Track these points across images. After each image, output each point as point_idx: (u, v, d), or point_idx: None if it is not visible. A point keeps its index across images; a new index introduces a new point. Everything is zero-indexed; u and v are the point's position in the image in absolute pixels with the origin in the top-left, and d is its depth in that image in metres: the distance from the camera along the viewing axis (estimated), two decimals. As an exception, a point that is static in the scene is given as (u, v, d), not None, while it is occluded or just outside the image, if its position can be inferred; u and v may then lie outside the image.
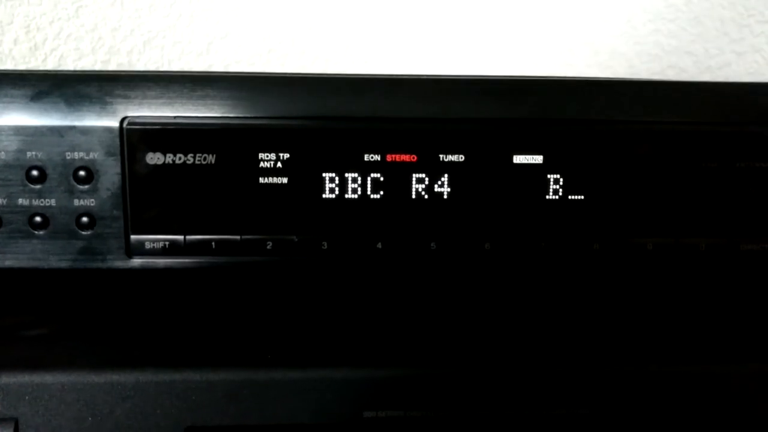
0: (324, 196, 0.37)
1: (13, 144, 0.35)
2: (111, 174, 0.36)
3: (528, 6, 0.87)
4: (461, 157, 0.37)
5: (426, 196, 0.37)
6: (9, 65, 0.74)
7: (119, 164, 0.36)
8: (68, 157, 0.35)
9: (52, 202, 0.36)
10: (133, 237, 0.37)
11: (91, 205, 0.36)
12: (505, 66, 0.89)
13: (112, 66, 0.78)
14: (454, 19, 0.90)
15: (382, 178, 0.37)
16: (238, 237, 0.37)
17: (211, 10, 0.82)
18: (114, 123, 0.35)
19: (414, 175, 0.37)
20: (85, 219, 0.36)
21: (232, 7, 0.83)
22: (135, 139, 0.35)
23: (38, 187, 0.36)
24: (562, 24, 0.85)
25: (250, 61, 0.86)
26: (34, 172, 0.35)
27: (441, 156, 0.37)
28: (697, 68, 0.78)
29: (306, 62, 0.88)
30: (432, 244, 0.38)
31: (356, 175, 0.37)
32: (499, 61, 0.90)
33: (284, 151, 0.36)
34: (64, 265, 0.37)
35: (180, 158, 0.36)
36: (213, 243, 0.37)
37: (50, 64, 0.75)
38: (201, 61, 0.83)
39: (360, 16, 0.87)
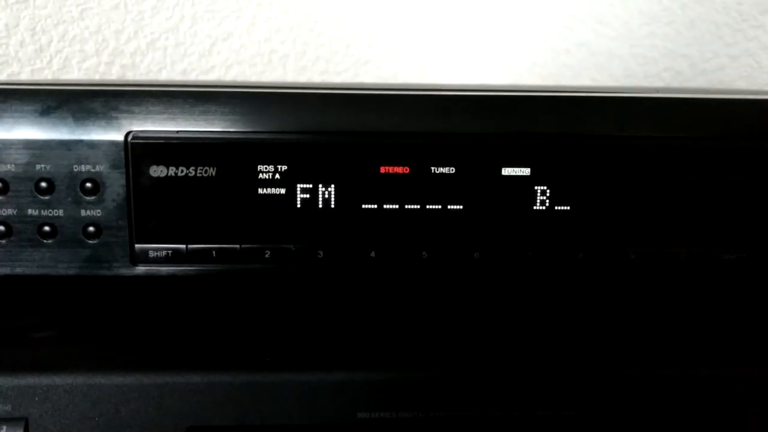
0: (320, 206, 0.38)
1: (23, 157, 0.36)
2: (116, 186, 0.36)
3: (526, 8, 0.87)
4: (452, 170, 0.38)
5: (418, 207, 0.38)
6: (15, 67, 0.75)
7: (124, 176, 0.36)
8: (75, 170, 0.36)
9: (60, 212, 0.37)
10: (137, 246, 0.37)
11: (98, 215, 0.37)
12: (505, 66, 0.90)
13: (116, 67, 0.79)
14: (454, 22, 0.91)
15: (375, 190, 0.38)
16: (237, 246, 0.38)
17: (213, 12, 0.83)
18: (119, 137, 0.36)
19: (406, 186, 0.38)
20: (91, 228, 0.37)
21: (234, 9, 0.84)
22: (139, 152, 0.36)
23: (47, 198, 0.36)
24: (560, 26, 0.86)
25: (252, 63, 0.86)
26: (43, 184, 0.36)
27: (433, 168, 0.37)
28: (692, 71, 0.79)
29: (307, 63, 0.88)
30: (423, 253, 0.38)
31: (351, 186, 0.37)
32: (499, 62, 0.90)
33: (282, 164, 0.37)
34: (71, 272, 0.37)
35: (182, 171, 0.37)
36: (214, 251, 0.38)
37: (55, 66, 0.76)
38: (203, 63, 0.84)
39: (360, 19, 0.88)
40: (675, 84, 0.79)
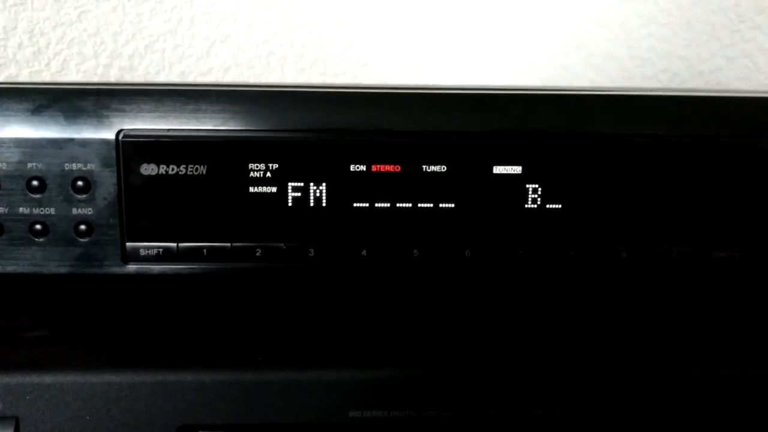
0: (311, 204, 0.38)
1: (14, 155, 0.36)
2: (107, 184, 0.37)
3: (524, 10, 0.87)
4: (443, 168, 0.38)
5: (409, 205, 0.38)
6: (13, 69, 0.75)
7: (115, 175, 0.36)
8: (67, 168, 0.36)
9: (52, 210, 0.37)
10: (128, 244, 0.38)
11: (89, 213, 0.37)
12: (503, 68, 0.90)
13: (114, 70, 0.79)
14: (452, 24, 0.91)
15: (367, 188, 0.38)
16: (228, 244, 0.38)
17: (211, 15, 0.83)
18: (110, 135, 0.36)
19: (398, 185, 0.38)
20: (82, 227, 0.37)
21: (232, 11, 0.84)
22: (130, 151, 0.36)
23: (38, 196, 0.37)
24: (558, 28, 0.86)
25: (250, 65, 0.87)
26: (35, 183, 0.36)
27: (424, 167, 0.38)
28: (689, 73, 0.79)
29: (305, 65, 0.89)
30: (415, 251, 0.39)
31: (342, 185, 0.38)
32: (497, 63, 0.91)
33: (273, 162, 0.37)
34: (63, 270, 0.38)
35: (173, 169, 0.37)
36: (205, 250, 0.38)
37: (53, 69, 0.76)
38: (201, 65, 0.84)
39: (358, 21, 0.88)
40: (673, 85, 0.79)
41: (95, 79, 0.79)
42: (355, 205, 0.38)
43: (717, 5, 0.75)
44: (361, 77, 0.91)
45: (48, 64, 0.77)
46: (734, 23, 0.74)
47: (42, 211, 0.37)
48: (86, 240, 0.37)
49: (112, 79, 0.80)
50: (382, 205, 0.38)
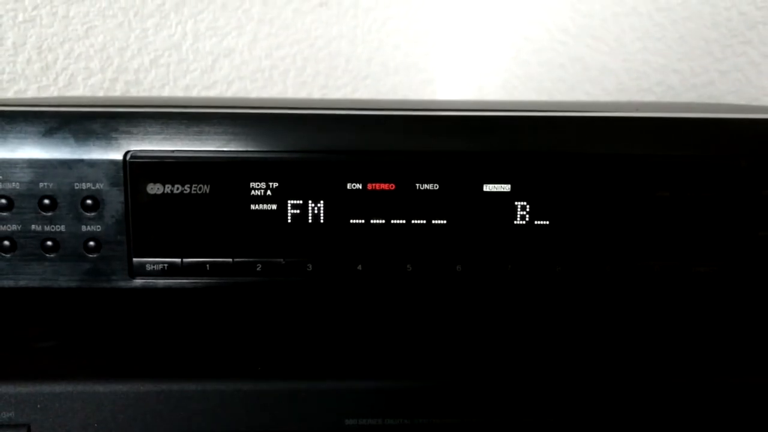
0: (309, 221, 0.39)
1: (27, 176, 0.37)
2: (115, 203, 0.38)
3: (522, 25, 0.89)
4: (436, 186, 0.39)
5: (403, 222, 0.39)
6: (22, 84, 0.76)
7: (123, 194, 0.38)
8: (77, 188, 0.38)
9: (62, 228, 0.38)
10: (135, 259, 0.39)
11: (98, 230, 0.38)
12: (502, 80, 0.92)
13: (120, 84, 0.81)
14: (451, 38, 0.93)
15: (363, 205, 0.39)
16: (230, 260, 0.39)
17: (215, 29, 0.85)
18: (118, 157, 0.38)
19: (392, 202, 0.39)
20: (91, 243, 0.38)
21: (236, 26, 0.85)
22: (137, 171, 0.38)
23: (49, 214, 0.38)
24: (555, 42, 0.87)
25: (253, 78, 0.88)
26: (46, 201, 0.38)
27: (417, 185, 0.39)
28: (683, 86, 0.80)
29: (307, 78, 0.90)
30: (408, 266, 0.40)
31: (339, 202, 0.39)
32: (496, 76, 0.92)
33: (273, 181, 0.38)
34: (72, 284, 0.39)
35: (178, 188, 0.38)
36: (207, 265, 0.39)
37: (61, 83, 0.78)
38: (205, 79, 0.86)
39: (359, 35, 0.90)
40: (667, 98, 0.80)
41: (102, 94, 0.81)
42: (351, 221, 0.39)
43: (710, 21, 0.76)
44: (361, 90, 0.93)
45: (56, 79, 0.78)
46: (727, 38, 0.75)
47: (53, 228, 0.38)
48: (95, 256, 0.39)
49: (118, 93, 0.81)
50: (378, 221, 0.39)
